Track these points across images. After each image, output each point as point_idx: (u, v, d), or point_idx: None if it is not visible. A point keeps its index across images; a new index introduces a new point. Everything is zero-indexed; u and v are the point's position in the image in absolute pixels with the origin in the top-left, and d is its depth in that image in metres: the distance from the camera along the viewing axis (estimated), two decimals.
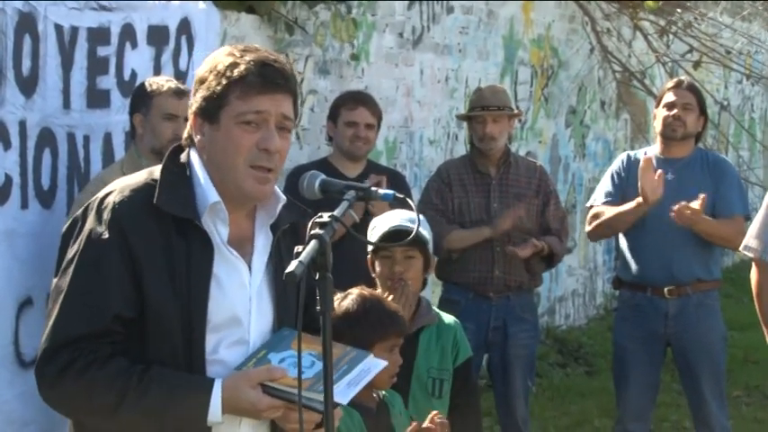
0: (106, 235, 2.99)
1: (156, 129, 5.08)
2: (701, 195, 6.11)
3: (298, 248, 2.90)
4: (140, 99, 5.16)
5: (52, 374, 2.96)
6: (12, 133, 5.00)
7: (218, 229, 3.10)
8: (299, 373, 2.91)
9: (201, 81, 3.09)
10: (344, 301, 3.93)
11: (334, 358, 3.03)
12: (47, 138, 5.18)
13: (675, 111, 6.38)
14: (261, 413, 3.02)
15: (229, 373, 3.04)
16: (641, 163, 6.19)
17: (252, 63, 3.07)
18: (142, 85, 5.23)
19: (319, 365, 3.01)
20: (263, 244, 3.19)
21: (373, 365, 3.20)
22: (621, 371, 6.51)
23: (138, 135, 5.18)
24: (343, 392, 3.06)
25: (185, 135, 3.17)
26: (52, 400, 3.03)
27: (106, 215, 3.01)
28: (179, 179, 3.08)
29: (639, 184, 6.16)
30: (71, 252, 3.03)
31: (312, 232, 2.93)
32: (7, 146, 4.96)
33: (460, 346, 4.51)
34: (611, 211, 6.42)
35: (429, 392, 4.41)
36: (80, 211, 3.10)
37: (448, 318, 4.58)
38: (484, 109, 6.55)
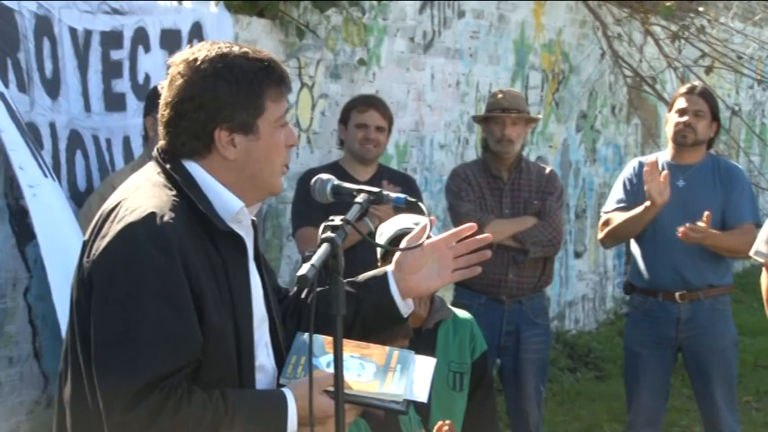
0: (170, 263, 2.86)
1: None
2: (706, 213, 6.10)
3: (309, 251, 2.91)
4: (152, 102, 5.17)
5: (145, 417, 2.82)
6: (44, 135, 5.03)
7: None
8: (311, 373, 2.92)
9: (216, 96, 2.96)
10: None
11: (382, 361, 3.11)
12: (75, 140, 5.21)
13: (686, 117, 6.37)
14: (329, 419, 3.00)
15: (294, 383, 3.03)
16: (645, 167, 6.18)
17: (274, 63, 3.04)
18: (155, 88, 5.25)
19: (371, 367, 3.09)
20: (249, 241, 3.16)
21: (427, 362, 3.26)
22: (633, 375, 6.51)
23: (150, 138, 5.20)
24: (421, 390, 3.14)
25: (165, 147, 3.04)
26: None
27: (163, 242, 2.87)
28: (201, 192, 3.01)
29: (645, 188, 6.16)
30: (129, 283, 2.85)
31: (324, 235, 2.94)
32: (41, 147, 4.99)
33: (477, 341, 4.55)
34: (621, 217, 6.41)
35: (450, 386, 4.43)
36: (112, 237, 2.90)
37: (463, 313, 4.60)
38: (504, 111, 6.56)
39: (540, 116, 7.10)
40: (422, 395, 3.16)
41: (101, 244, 2.93)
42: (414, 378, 3.17)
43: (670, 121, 6.47)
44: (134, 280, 2.86)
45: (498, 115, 6.53)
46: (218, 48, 3.01)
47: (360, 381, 3.09)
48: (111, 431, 2.87)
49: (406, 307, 3.28)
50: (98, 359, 2.88)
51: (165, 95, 3.02)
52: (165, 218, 2.90)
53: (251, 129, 3.00)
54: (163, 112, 3.03)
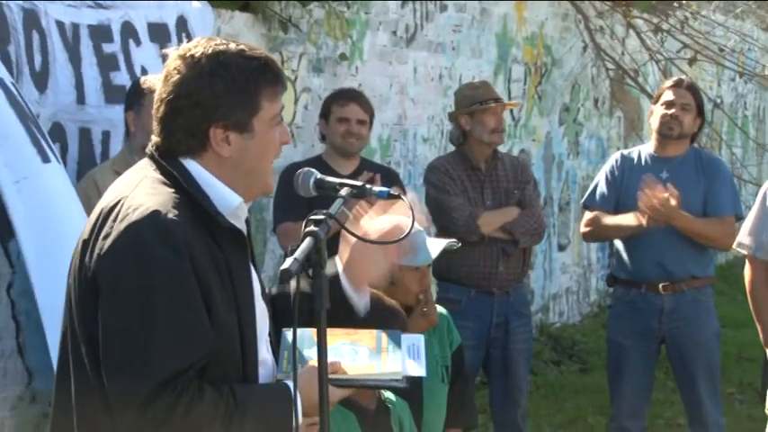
0: (179, 260, 2.85)
1: (148, 127, 5.03)
2: (669, 186, 6.13)
3: (292, 245, 2.91)
4: (133, 96, 5.16)
5: (160, 416, 2.81)
6: None
7: None
8: (294, 366, 2.92)
9: (212, 94, 2.95)
10: None
11: (373, 344, 3.18)
12: (57, 133, 5.19)
13: (673, 110, 6.38)
14: (332, 405, 3.06)
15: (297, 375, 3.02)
16: (645, 188, 6.15)
17: (270, 62, 3.03)
18: (137, 82, 5.23)
19: (363, 350, 3.17)
20: None
21: (415, 338, 3.35)
22: (616, 367, 6.52)
23: (131, 133, 5.18)
24: (417, 366, 3.23)
25: (161, 144, 3.03)
26: None
27: (170, 239, 2.86)
28: (200, 189, 2.99)
29: (642, 205, 6.14)
30: (138, 281, 2.84)
31: (307, 229, 2.94)
32: None
33: (453, 334, 4.58)
34: (609, 220, 6.41)
35: (440, 379, 4.45)
36: (117, 236, 2.88)
37: (438, 308, 4.61)
38: (497, 101, 6.58)
39: (520, 102, 7.05)
40: (419, 371, 3.23)
41: (104, 243, 2.91)
42: (406, 355, 3.23)
43: (655, 113, 6.47)
44: (143, 278, 2.85)
45: (494, 105, 6.54)
46: (215, 45, 3.00)
47: (356, 365, 3.14)
48: (124, 431, 2.86)
49: (360, 301, 3.39)
50: (109, 359, 2.86)
51: (160, 91, 3.01)
52: (170, 215, 2.89)
53: (246, 127, 3.00)
54: (157, 108, 3.01)
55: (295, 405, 2.96)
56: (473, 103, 6.59)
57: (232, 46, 3.02)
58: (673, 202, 6.10)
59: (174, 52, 3.03)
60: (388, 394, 4.06)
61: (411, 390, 4.24)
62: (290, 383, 2.97)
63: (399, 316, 3.96)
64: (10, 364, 5.24)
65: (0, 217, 5.10)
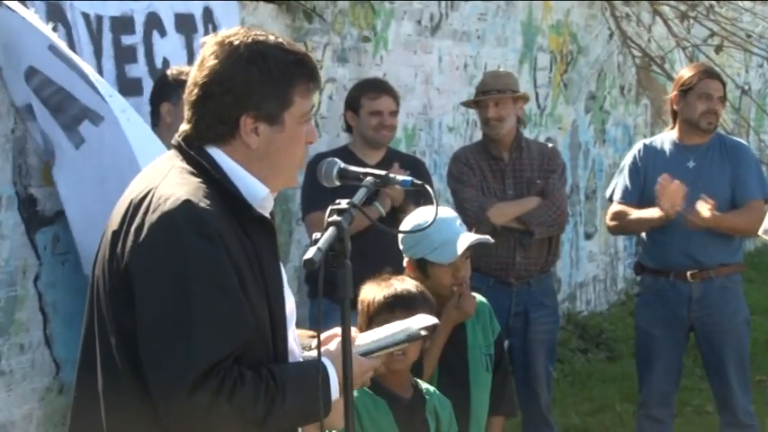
0: (214, 249, 2.86)
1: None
2: (709, 201, 6.09)
3: (316, 235, 2.91)
4: (167, 88, 5.14)
5: (205, 403, 2.81)
6: None
7: None
8: (319, 348, 2.93)
9: (247, 83, 2.96)
10: (375, 286, 3.97)
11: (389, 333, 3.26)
12: None
13: (713, 104, 6.33)
14: (365, 375, 3.11)
15: (326, 352, 3.03)
16: (658, 183, 6.12)
17: (307, 59, 3.04)
18: (165, 74, 5.23)
19: (367, 333, 3.30)
20: None
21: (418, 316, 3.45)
22: (645, 355, 6.50)
23: (165, 124, 5.17)
24: (423, 320, 3.36)
25: (190, 131, 3.03)
26: (203, 426, 2.85)
27: (204, 228, 2.87)
28: (228, 179, 3.00)
29: (658, 201, 6.12)
30: (176, 271, 2.84)
31: (330, 219, 2.93)
32: None
33: (494, 322, 4.63)
34: (633, 214, 6.37)
35: (485, 368, 4.47)
36: (150, 227, 2.88)
37: (478, 297, 4.63)
38: (485, 94, 6.54)
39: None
40: (432, 320, 3.39)
41: (138, 235, 2.90)
42: (413, 322, 3.35)
43: (692, 105, 6.31)
44: (181, 267, 2.85)
45: (480, 99, 6.54)
46: (255, 35, 3.01)
47: (366, 338, 3.23)
48: (169, 420, 2.86)
49: None
50: (150, 349, 2.86)
51: (195, 75, 3.01)
52: (202, 204, 2.90)
53: (277, 120, 3.00)
54: (190, 92, 3.01)
55: (329, 380, 2.99)
56: (477, 93, 6.62)
57: (271, 38, 3.03)
58: (707, 214, 6.07)
59: (212, 38, 3.03)
60: (425, 385, 4.06)
61: (458, 378, 4.29)
62: (324, 360, 2.98)
63: (425, 302, 3.96)
64: (38, 355, 5.27)
65: (27, 209, 5.14)
